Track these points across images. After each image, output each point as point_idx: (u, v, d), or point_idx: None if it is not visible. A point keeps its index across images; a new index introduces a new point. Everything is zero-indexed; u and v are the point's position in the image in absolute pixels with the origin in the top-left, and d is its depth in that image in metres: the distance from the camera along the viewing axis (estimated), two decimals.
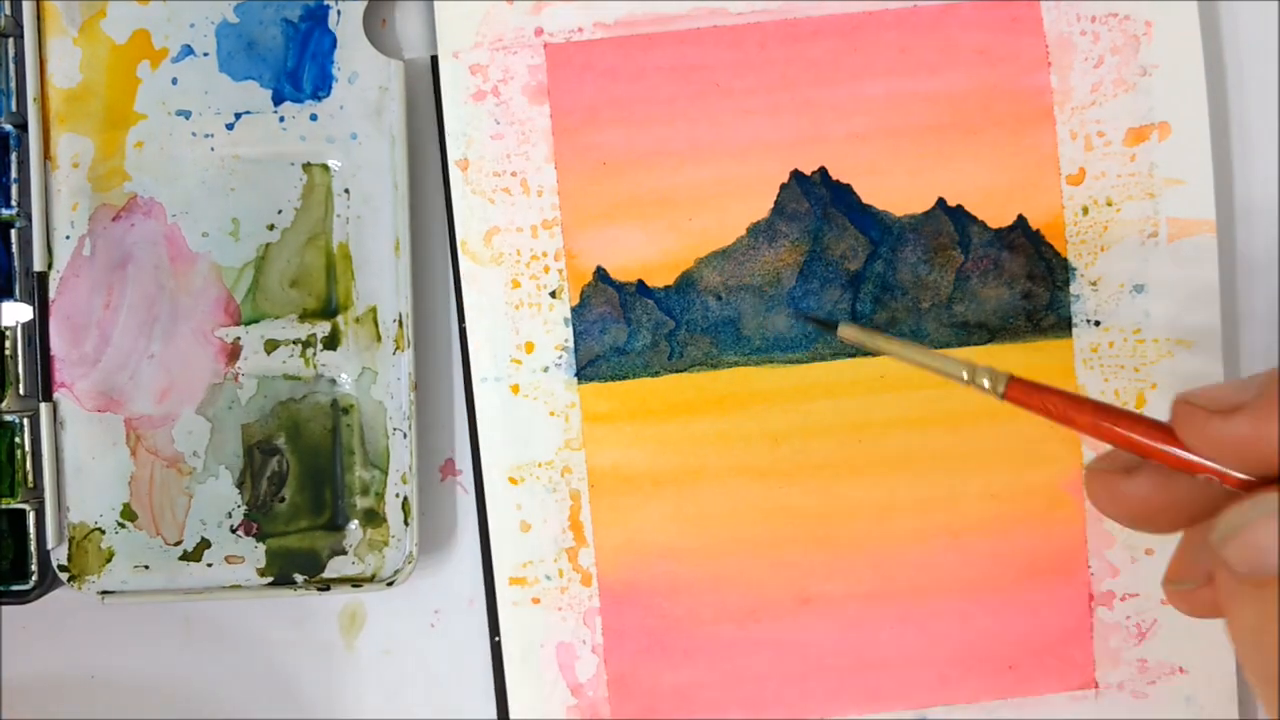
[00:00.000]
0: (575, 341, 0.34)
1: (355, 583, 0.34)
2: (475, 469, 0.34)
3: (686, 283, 0.34)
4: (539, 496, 0.34)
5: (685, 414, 0.34)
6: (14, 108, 0.33)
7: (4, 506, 0.34)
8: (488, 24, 0.34)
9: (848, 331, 0.27)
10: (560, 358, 0.34)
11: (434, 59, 0.34)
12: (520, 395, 0.34)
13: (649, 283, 0.34)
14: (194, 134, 0.34)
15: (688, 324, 0.34)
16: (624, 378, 0.34)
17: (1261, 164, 0.35)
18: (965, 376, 0.25)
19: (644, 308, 0.34)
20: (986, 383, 0.25)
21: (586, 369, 0.34)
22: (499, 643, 0.35)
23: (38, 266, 0.33)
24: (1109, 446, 0.23)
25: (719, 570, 0.35)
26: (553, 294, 0.34)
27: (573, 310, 0.34)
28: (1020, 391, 0.24)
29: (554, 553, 0.34)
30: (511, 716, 0.35)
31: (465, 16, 0.34)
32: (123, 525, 0.34)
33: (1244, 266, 0.36)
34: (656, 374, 0.34)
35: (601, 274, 0.34)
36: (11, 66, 0.33)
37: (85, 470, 0.34)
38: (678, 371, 0.34)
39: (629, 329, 0.34)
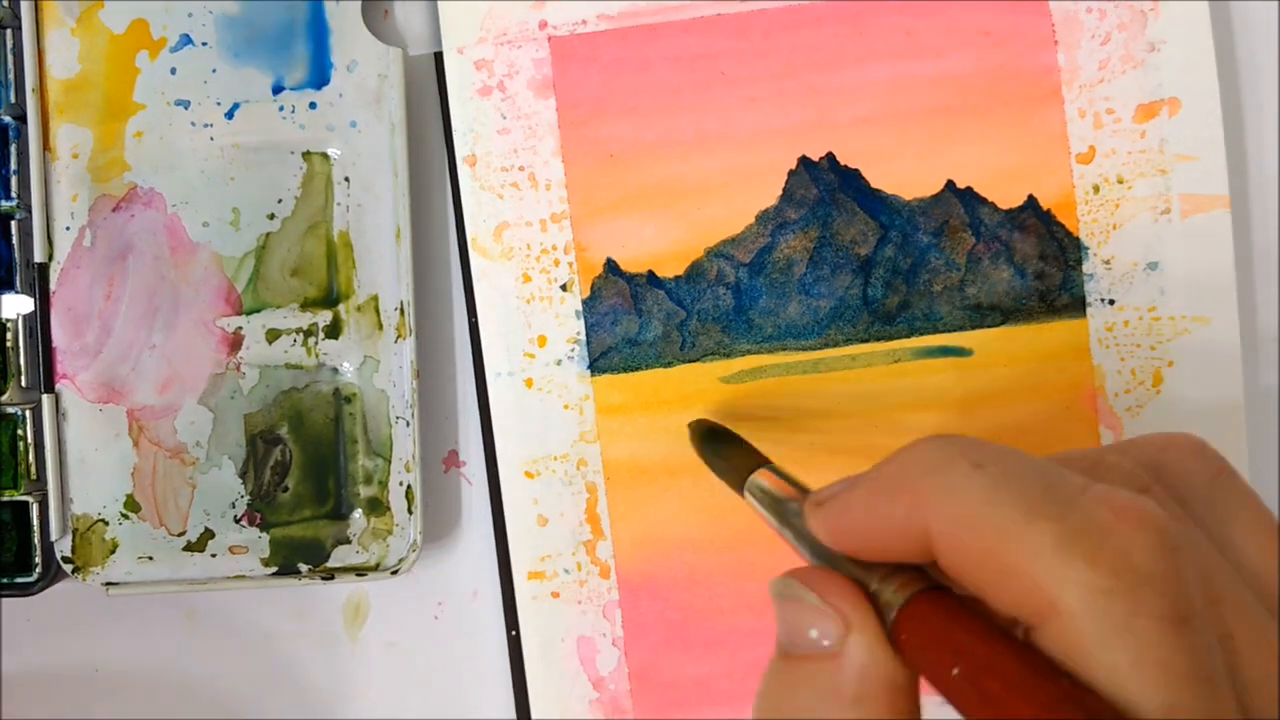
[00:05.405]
0: (587, 334, 0.34)
1: (359, 571, 0.34)
2: (489, 464, 0.34)
3: (697, 272, 0.34)
4: (555, 490, 0.34)
5: (699, 404, 0.34)
6: (13, 99, 0.33)
7: (7, 499, 0.34)
8: (492, 19, 0.34)
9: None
10: (573, 350, 0.34)
11: (438, 55, 0.34)
12: (534, 389, 0.34)
13: (659, 273, 0.34)
14: (193, 124, 0.34)
15: (699, 314, 0.34)
16: (637, 369, 0.34)
17: (1274, 137, 0.35)
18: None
19: (655, 298, 0.34)
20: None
21: (599, 361, 0.34)
22: (517, 636, 0.35)
23: (38, 258, 0.33)
24: None
25: (737, 560, 0.34)
26: (563, 287, 0.34)
27: (584, 303, 0.34)
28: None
29: (572, 546, 0.34)
30: (533, 712, 0.35)
31: (469, 11, 0.34)
32: (126, 516, 0.34)
33: (1259, 240, 0.35)
34: (669, 364, 0.34)
35: (611, 266, 0.34)
36: (10, 58, 0.33)
37: (88, 462, 0.34)
38: (690, 361, 0.34)
39: (640, 320, 0.34)
